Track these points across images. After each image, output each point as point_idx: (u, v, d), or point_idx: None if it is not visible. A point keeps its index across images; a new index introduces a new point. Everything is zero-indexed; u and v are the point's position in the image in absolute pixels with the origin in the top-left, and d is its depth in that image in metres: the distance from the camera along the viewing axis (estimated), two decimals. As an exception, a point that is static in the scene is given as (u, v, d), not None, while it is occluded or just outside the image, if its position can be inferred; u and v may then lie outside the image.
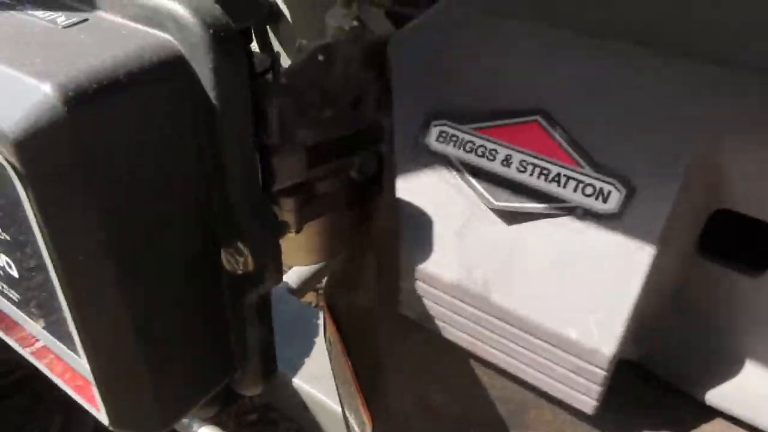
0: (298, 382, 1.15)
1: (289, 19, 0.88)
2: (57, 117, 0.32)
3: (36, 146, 0.33)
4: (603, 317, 0.39)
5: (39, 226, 0.36)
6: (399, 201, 0.46)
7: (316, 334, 1.24)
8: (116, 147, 0.36)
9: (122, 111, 0.35)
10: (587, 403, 0.41)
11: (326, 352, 1.18)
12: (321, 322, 1.25)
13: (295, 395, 1.21)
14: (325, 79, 0.63)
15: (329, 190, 0.65)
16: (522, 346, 0.42)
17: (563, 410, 0.44)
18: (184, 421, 0.90)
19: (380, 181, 0.64)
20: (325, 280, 0.83)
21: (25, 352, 0.51)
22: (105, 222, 0.37)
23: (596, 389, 0.40)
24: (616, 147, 0.40)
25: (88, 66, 0.34)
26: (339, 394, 0.79)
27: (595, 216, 0.40)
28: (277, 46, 0.93)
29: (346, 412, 0.74)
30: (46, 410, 1.16)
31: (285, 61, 0.93)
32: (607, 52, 0.41)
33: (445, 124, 0.45)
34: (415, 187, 0.45)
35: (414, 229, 0.44)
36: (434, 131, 0.45)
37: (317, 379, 1.16)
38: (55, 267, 0.38)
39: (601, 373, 0.40)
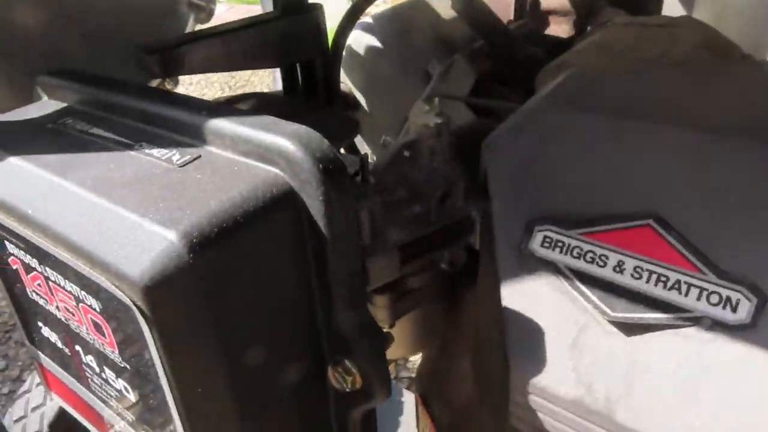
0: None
1: (366, 107, 0.91)
2: (182, 264, 0.34)
3: (162, 291, 0.34)
4: (743, 437, 0.36)
5: (161, 361, 0.37)
6: (506, 310, 0.44)
7: (400, 413, 1.22)
8: (234, 283, 0.37)
9: (240, 249, 0.36)
10: None
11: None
12: (404, 400, 1.22)
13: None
14: (412, 175, 0.63)
15: (420, 284, 0.64)
16: (653, 468, 0.39)
17: None
18: None
19: (470, 271, 0.63)
20: (415, 368, 0.81)
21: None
22: (224, 354, 0.38)
23: None
24: (741, 251, 0.38)
25: (208, 211, 0.36)
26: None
27: (725, 326, 0.38)
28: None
29: None
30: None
31: (360, 144, 0.96)
32: (726, 150, 0.39)
33: (549, 229, 0.44)
34: (521, 295, 0.44)
35: (525, 341, 0.43)
36: (538, 237, 0.44)
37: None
38: (174, 397, 0.39)
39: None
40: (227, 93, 3.62)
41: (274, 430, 0.43)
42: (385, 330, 0.63)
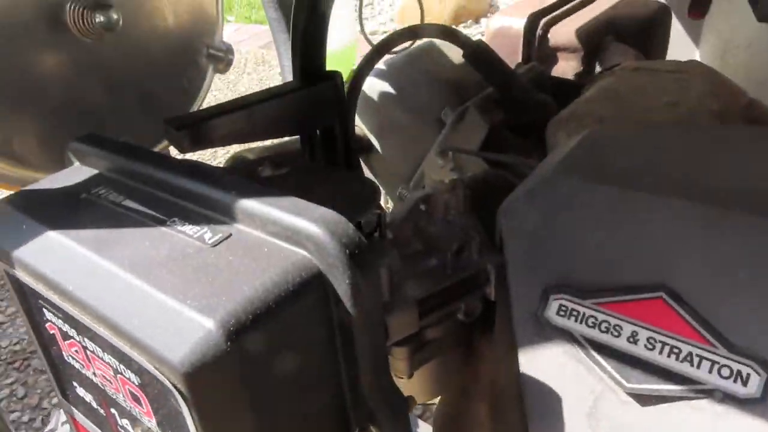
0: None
1: (380, 150, 0.94)
2: (219, 351, 0.36)
3: (201, 377, 0.36)
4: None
5: (199, 437, 0.39)
6: (524, 376, 0.46)
7: (418, 448, 1.22)
8: (267, 364, 0.39)
9: (272, 333, 0.39)
10: None
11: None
12: (419, 430, 1.23)
13: None
14: (428, 228, 0.66)
15: (438, 335, 0.66)
16: None
17: None
18: None
19: (486, 321, 0.65)
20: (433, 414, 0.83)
21: None
22: (258, 429, 0.40)
23: None
24: (750, 326, 0.40)
25: (243, 297, 0.38)
26: None
27: (736, 400, 0.39)
28: (369, 175, 0.98)
29: None
30: None
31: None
32: (736, 225, 0.41)
33: (564, 298, 0.46)
34: (539, 363, 0.46)
35: (543, 407, 0.45)
36: (554, 305, 0.46)
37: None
38: (211, 472, 0.41)
39: None
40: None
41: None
42: (404, 380, 0.65)
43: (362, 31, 1.06)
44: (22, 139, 0.79)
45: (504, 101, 0.82)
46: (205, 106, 1.04)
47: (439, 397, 0.80)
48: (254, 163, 0.61)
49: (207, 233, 0.45)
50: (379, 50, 0.80)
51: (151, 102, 0.90)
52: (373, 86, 0.91)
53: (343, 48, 1.65)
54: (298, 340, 0.40)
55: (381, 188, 0.97)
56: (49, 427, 1.02)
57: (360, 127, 0.96)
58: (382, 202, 0.98)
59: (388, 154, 0.93)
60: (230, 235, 0.44)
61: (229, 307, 0.37)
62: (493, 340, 0.63)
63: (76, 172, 0.59)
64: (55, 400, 2.03)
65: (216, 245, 0.44)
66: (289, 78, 0.89)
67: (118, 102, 0.86)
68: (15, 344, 2.21)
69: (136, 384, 0.43)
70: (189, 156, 0.62)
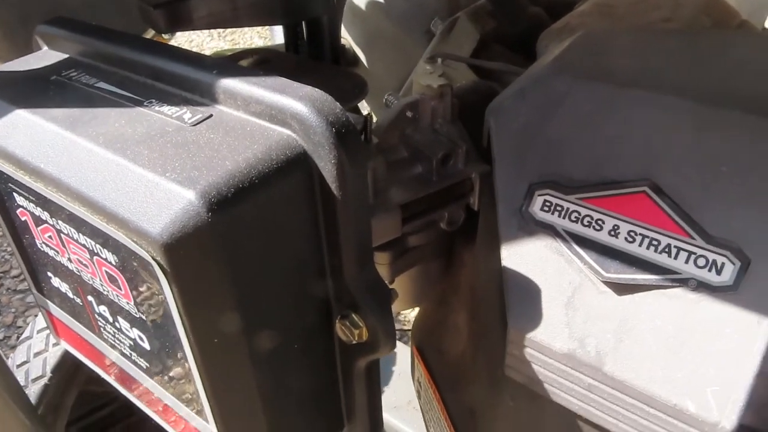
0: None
1: (365, 64, 0.91)
2: (200, 222, 0.35)
3: (182, 249, 0.36)
4: (722, 390, 0.39)
5: (179, 313, 0.39)
6: (505, 269, 0.47)
7: (393, 363, 1.26)
8: (250, 241, 0.38)
9: (255, 208, 0.38)
10: (706, 474, 0.41)
11: (403, 381, 1.20)
12: (396, 350, 1.27)
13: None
14: (415, 136, 0.64)
15: (421, 242, 0.66)
16: (637, 415, 0.42)
17: (677, 476, 0.44)
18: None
19: (468, 231, 0.65)
20: (410, 318, 0.84)
21: (150, 411, 0.55)
22: (239, 309, 0.39)
23: (716, 461, 0.40)
24: (728, 218, 0.40)
25: (224, 171, 0.37)
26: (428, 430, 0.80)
27: (709, 288, 0.40)
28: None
29: (438, 452, 0.76)
30: (143, 437, 1.22)
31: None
32: (723, 122, 0.41)
33: (549, 194, 0.45)
34: (520, 256, 0.46)
35: (522, 298, 0.45)
36: (538, 200, 0.46)
37: (396, 409, 1.18)
38: (191, 348, 0.41)
39: (722, 446, 0.39)
40: (217, 39, 3.54)
41: (283, 377, 0.46)
42: (385, 285, 0.66)
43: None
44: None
45: (496, 12, 0.79)
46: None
47: (415, 314, 0.82)
48: (235, 57, 0.58)
49: (186, 113, 0.43)
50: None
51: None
52: (360, -7, 0.88)
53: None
54: (280, 220, 0.40)
55: (366, 104, 0.95)
56: (24, 335, 1.02)
57: (345, 38, 0.93)
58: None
59: (374, 67, 0.90)
60: (211, 115, 0.43)
61: (211, 179, 0.36)
62: (474, 249, 0.63)
63: (45, 56, 0.56)
64: (30, 320, 2.02)
65: (196, 124, 0.42)
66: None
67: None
68: (-13, 263, 2.18)
69: (114, 264, 0.43)
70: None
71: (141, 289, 0.42)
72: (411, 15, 0.86)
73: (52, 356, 0.97)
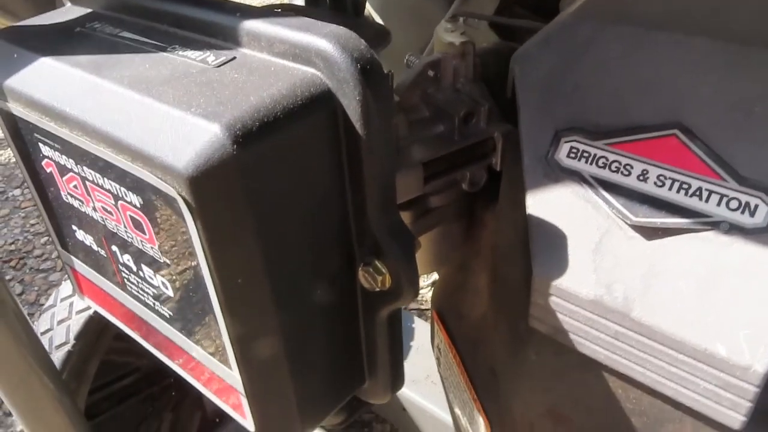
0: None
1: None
2: (225, 155, 0.35)
3: (207, 183, 0.36)
4: (754, 333, 0.38)
5: (204, 252, 0.39)
6: (530, 217, 0.46)
7: (411, 338, 1.26)
8: (274, 178, 0.38)
9: (280, 144, 0.38)
10: (736, 419, 0.40)
11: (421, 356, 1.19)
12: (415, 325, 1.27)
13: (393, 398, 1.23)
14: (436, 95, 0.64)
15: (442, 203, 0.66)
16: (665, 362, 0.42)
17: (705, 425, 0.43)
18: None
19: (490, 192, 0.64)
20: (431, 288, 0.84)
21: (173, 363, 0.55)
22: (263, 247, 0.39)
23: (746, 405, 0.39)
24: (762, 159, 0.39)
25: (249, 105, 0.37)
26: (449, 400, 0.80)
27: (742, 230, 0.39)
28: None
29: (460, 417, 0.75)
30: (158, 410, 1.24)
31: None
32: (755, 61, 0.40)
33: (575, 140, 0.45)
34: (546, 204, 0.45)
35: (548, 245, 0.45)
36: (564, 147, 0.45)
37: (415, 383, 1.18)
38: (215, 289, 0.41)
39: (753, 390, 0.39)
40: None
41: (306, 324, 0.46)
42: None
43: None
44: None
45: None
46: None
47: (438, 280, 0.81)
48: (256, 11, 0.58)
49: (210, 56, 0.43)
50: None
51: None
52: (379, -42, 0.87)
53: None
54: (304, 157, 0.39)
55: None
56: (48, 304, 1.04)
57: (366, 7, 0.92)
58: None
59: (394, 36, 0.89)
60: (234, 57, 0.43)
61: (236, 113, 0.36)
62: (496, 210, 0.62)
63: (69, 11, 0.56)
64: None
65: (220, 66, 0.42)
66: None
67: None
68: (10, 244, 2.22)
69: (138, 207, 0.43)
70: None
71: (165, 231, 0.42)
72: (432, -21, 0.85)
73: (75, 324, 0.98)
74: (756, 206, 0.39)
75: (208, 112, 0.37)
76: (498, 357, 0.61)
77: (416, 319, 1.28)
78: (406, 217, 0.64)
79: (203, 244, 0.38)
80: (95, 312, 1.01)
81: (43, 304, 2.00)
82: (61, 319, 0.99)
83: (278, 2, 0.67)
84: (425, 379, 1.20)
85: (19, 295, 2.02)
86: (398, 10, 0.87)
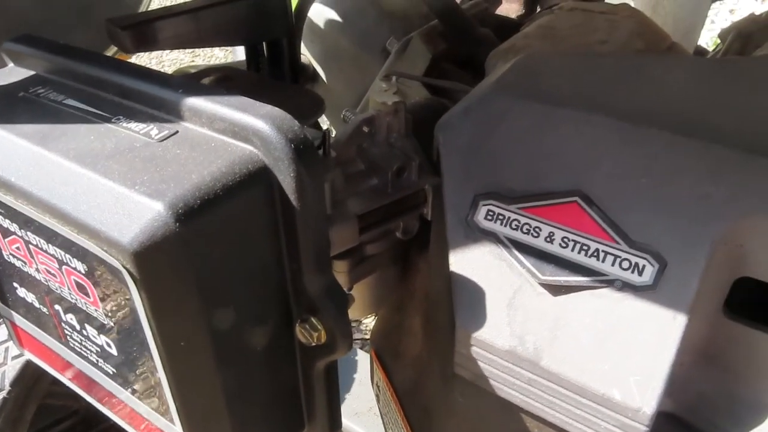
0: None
1: (324, 79, 0.94)
2: (168, 231, 0.38)
3: (151, 256, 0.38)
4: (642, 379, 0.44)
5: (147, 319, 0.42)
6: (453, 274, 0.51)
7: (354, 371, 1.29)
8: (215, 249, 0.41)
9: (220, 219, 0.41)
10: (632, 455, 0.45)
11: (364, 388, 1.23)
12: (358, 357, 1.30)
13: None
14: (371, 149, 0.68)
15: (378, 250, 0.70)
16: (571, 404, 0.47)
17: (608, 459, 0.49)
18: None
19: (422, 239, 0.69)
20: (370, 327, 0.88)
21: (115, 416, 0.57)
22: (205, 313, 0.42)
23: (639, 443, 0.45)
24: (648, 225, 0.45)
25: (191, 184, 0.40)
26: (387, 434, 0.83)
27: (633, 288, 0.45)
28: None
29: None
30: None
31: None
32: (643, 138, 0.46)
33: (491, 204, 0.50)
34: (467, 262, 0.50)
35: (468, 301, 0.49)
36: (482, 210, 0.50)
37: (357, 415, 1.21)
38: (159, 351, 0.43)
39: (644, 429, 0.44)
40: (177, 52, 3.53)
41: (248, 379, 0.48)
42: (343, 292, 0.69)
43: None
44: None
45: (447, 33, 0.84)
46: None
47: (376, 321, 0.85)
48: (198, 75, 0.61)
49: (153, 130, 0.46)
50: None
51: (90, 9, 0.86)
52: (320, 13, 0.91)
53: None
54: (243, 230, 0.43)
55: (326, 117, 0.99)
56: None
57: (305, 55, 0.96)
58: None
59: (332, 83, 0.94)
60: (177, 131, 0.46)
61: (178, 191, 0.39)
62: (427, 256, 0.67)
63: (12, 73, 0.58)
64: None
65: (163, 140, 0.45)
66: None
67: (54, 8, 0.83)
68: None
69: (83, 272, 0.45)
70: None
71: (110, 297, 0.44)
72: (368, 34, 0.90)
73: (11, 369, 0.96)
74: (644, 266, 0.45)
75: (152, 190, 0.39)
76: (431, 397, 0.65)
77: (359, 351, 1.31)
78: (343, 265, 0.67)
79: (147, 312, 0.41)
80: (32, 357, 0.99)
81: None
82: (-5, 365, 0.97)
83: (222, 62, 0.70)
84: (368, 411, 1.23)
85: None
86: (337, 60, 0.92)
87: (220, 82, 0.60)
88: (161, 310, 0.41)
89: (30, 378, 0.97)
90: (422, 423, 0.68)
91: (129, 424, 0.55)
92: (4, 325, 1.06)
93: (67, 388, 1.10)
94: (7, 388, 0.95)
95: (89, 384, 0.57)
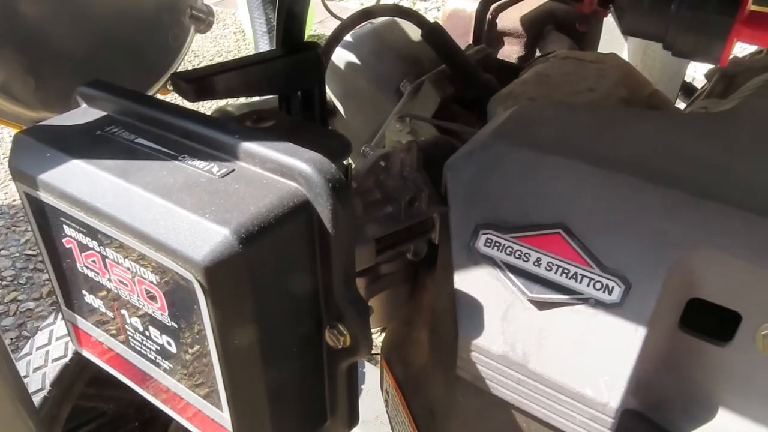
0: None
1: (343, 114, 1.05)
2: (233, 252, 0.48)
3: (218, 271, 0.48)
4: (610, 380, 0.54)
5: (210, 322, 0.52)
6: (456, 291, 0.61)
7: (362, 382, 1.38)
8: (267, 267, 0.51)
9: (271, 242, 0.51)
10: (602, 443, 0.55)
11: (372, 398, 1.32)
12: (366, 370, 1.39)
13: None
14: (386, 182, 0.79)
15: (391, 270, 0.80)
16: (551, 401, 0.56)
17: (584, 449, 0.58)
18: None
19: (430, 261, 0.79)
20: (379, 345, 0.97)
21: (165, 406, 0.66)
22: (257, 319, 0.52)
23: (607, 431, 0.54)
24: (617, 253, 0.55)
25: (250, 213, 0.50)
26: (394, 436, 0.92)
27: (603, 305, 0.55)
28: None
29: (402, 451, 0.88)
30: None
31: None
32: (614, 182, 0.56)
33: (489, 233, 0.60)
34: (468, 281, 0.60)
35: (469, 313, 0.59)
36: (482, 238, 0.60)
37: (365, 423, 1.30)
38: (217, 350, 0.53)
39: (610, 420, 0.54)
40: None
41: (284, 376, 0.58)
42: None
43: (327, 8, 1.16)
44: (21, 80, 0.86)
45: (454, 78, 0.95)
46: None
47: (382, 339, 0.95)
48: (240, 117, 0.72)
49: (214, 167, 0.56)
50: (343, 28, 0.91)
51: (140, 55, 0.98)
52: (341, 56, 1.03)
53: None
54: (288, 251, 0.53)
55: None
56: (24, 351, 1.11)
57: (326, 92, 1.07)
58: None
59: (350, 118, 1.05)
60: (234, 169, 0.56)
61: (240, 219, 0.49)
62: (434, 275, 0.77)
63: (86, 113, 0.68)
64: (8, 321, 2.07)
65: (223, 177, 0.55)
66: (261, 43, 0.99)
67: (109, 53, 0.94)
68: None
69: (154, 283, 0.55)
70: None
71: (177, 304, 0.54)
72: (383, 76, 1.01)
73: (51, 371, 1.06)
74: (612, 287, 0.55)
75: (219, 218, 0.50)
76: (435, 399, 0.75)
77: (367, 364, 1.40)
78: (361, 282, 0.77)
79: (211, 316, 0.51)
80: (70, 360, 1.09)
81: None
82: (36, 367, 1.06)
83: (256, 102, 0.80)
84: (375, 420, 1.32)
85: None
86: (355, 98, 1.03)
87: (260, 121, 0.71)
88: (223, 315, 0.51)
89: (68, 379, 1.07)
90: (427, 423, 0.78)
91: (179, 414, 0.65)
92: (43, 331, 1.16)
93: (98, 390, 1.20)
94: (48, 387, 1.04)
95: (144, 378, 0.66)
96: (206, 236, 0.49)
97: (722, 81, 1.19)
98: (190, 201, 0.52)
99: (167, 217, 0.51)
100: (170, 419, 1.37)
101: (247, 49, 4.10)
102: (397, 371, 0.87)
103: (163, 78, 1.02)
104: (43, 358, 1.08)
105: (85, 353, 0.74)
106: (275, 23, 1.04)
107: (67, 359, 1.07)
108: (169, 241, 0.50)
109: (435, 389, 0.75)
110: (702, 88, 1.45)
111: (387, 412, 0.95)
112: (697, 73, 2.63)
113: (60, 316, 1.13)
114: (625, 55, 1.59)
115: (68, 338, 1.11)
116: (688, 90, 1.69)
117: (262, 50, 1.07)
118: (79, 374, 1.08)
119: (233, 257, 0.48)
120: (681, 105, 1.57)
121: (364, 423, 1.33)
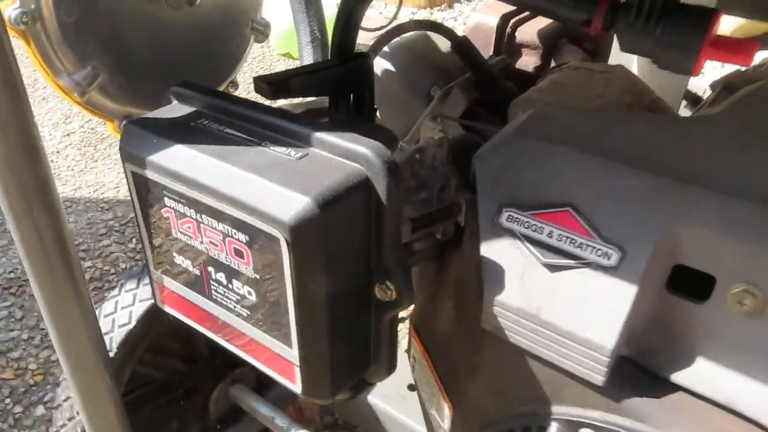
0: (372, 399, 1.43)
1: (379, 116, 1.19)
2: (313, 215, 0.62)
3: (301, 230, 0.62)
4: (607, 326, 0.67)
5: (290, 272, 0.65)
6: (483, 257, 0.74)
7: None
8: (337, 230, 0.65)
9: (341, 210, 0.64)
10: (599, 379, 0.68)
11: (392, 377, 1.46)
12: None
13: (369, 410, 1.48)
14: (421, 171, 0.92)
15: (422, 248, 0.94)
16: (561, 346, 0.70)
17: (584, 386, 0.71)
18: (282, 425, 1.20)
19: (457, 241, 0.93)
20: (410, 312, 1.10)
21: (237, 349, 0.80)
22: (327, 272, 0.66)
23: (604, 370, 0.67)
24: (615, 227, 0.68)
25: (325, 186, 0.64)
26: (421, 397, 1.06)
27: (603, 268, 0.68)
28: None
29: (428, 408, 1.02)
30: (165, 418, 1.44)
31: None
32: (614, 170, 0.70)
33: (511, 211, 0.73)
34: (492, 250, 0.74)
35: (493, 275, 0.73)
36: (505, 215, 0.74)
37: (387, 396, 1.44)
38: (293, 295, 0.67)
39: (606, 360, 0.67)
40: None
41: (341, 321, 0.72)
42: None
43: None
44: (117, 81, 1.02)
45: (479, 85, 1.09)
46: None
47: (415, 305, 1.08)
48: (305, 114, 0.86)
49: (292, 152, 0.70)
50: (381, 41, 1.06)
51: (208, 61, 1.12)
52: (378, 64, 1.17)
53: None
54: (352, 218, 0.67)
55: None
56: (113, 294, 1.24)
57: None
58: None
59: (384, 118, 1.19)
60: (308, 154, 0.70)
61: (318, 190, 0.63)
62: (461, 250, 0.91)
63: (179, 108, 0.82)
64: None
65: (300, 159, 0.69)
66: (306, 55, 1.14)
67: (183, 59, 1.09)
68: (10, 273, 2.38)
69: (244, 242, 0.69)
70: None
71: (262, 259, 0.68)
72: (415, 83, 1.15)
73: (118, 335, 1.20)
74: (611, 254, 0.68)
75: (301, 188, 0.63)
76: (459, 357, 0.88)
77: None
78: (399, 255, 0.91)
79: (291, 267, 0.65)
80: (134, 326, 1.24)
81: (42, 329, 2.16)
82: (105, 332, 1.21)
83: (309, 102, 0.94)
84: (396, 395, 1.46)
85: (20, 319, 2.18)
86: (390, 102, 1.17)
87: (320, 117, 0.85)
88: (301, 267, 0.65)
89: (131, 344, 1.21)
90: (451, 379, 0.91)
91: (251, 355, 0.79)
92: (110, 301, 1.31)
93: (154, 356, 1.35)
94: (115, 349, 1.19)
95: (221, 327, 0.80)
96: (292, 202, 0.63)
97: (725, 91, 1.32)
98: (276, 176, 0.66)
99: (259, 188, 0.65)
100: (211, 389, 1.52)
101: (271, 55, 4.28)
102: (424, 338, 1.00)
103: (227, 80, 1.17)
104: (111, 325, 1.22)
105: (167, 309, 0.89)
106: (318, 35, 1.19)
107: (131, 326, 1.21)
108: (262, 206, 0.64)
109: (458, 350, 0.88)
110: (707, 97, 1.57)
111: (413, 376, 1.08)
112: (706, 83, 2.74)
113: (123, 288, 1.27)
114: (634, 66, 1.72)
115: (132, 308, 1.25)
116: (694, 99, 1.81)
117: (306, 58, 1.21)
118: (140, 340, 1.22)
119: (313, 219, 0.62)
120: (688, 112, 1.70)
121: (386, 396, 1.46)
